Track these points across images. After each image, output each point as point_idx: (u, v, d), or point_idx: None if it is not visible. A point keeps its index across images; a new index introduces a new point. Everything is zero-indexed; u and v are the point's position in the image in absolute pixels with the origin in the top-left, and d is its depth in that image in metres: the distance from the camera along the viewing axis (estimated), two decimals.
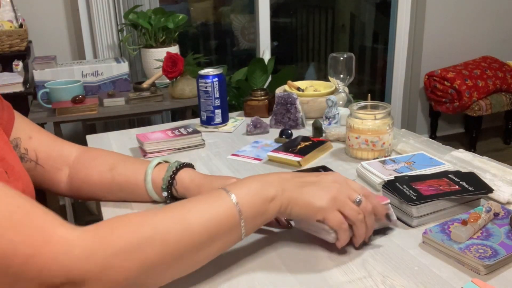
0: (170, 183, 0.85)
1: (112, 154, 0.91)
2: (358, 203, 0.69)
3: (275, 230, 0.80)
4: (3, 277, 0.50)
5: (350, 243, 0.74)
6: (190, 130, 1.23)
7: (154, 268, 0.58)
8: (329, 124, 1.24)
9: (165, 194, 0.86)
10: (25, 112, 2.09)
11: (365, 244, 0.74)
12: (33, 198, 0.72)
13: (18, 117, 0.84)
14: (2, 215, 0.50)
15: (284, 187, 0.68)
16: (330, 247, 0.73)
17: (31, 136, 0.84)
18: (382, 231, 0.77)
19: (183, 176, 0.85)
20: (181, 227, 0.60)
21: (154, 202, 0.89)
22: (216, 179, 0.85)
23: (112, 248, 0.55)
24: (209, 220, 0.62)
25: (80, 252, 0.53)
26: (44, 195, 2.23)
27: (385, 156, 1.05)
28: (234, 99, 2.54)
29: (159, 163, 0.87)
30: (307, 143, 1.14)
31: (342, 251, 0.73)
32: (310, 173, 0.74)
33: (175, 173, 0.85)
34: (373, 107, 1.09)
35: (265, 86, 2.58)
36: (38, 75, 2.18)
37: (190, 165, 0.88)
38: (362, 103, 1.10)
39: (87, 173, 0.87)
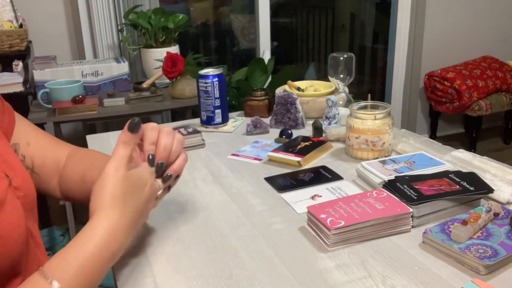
0: None
1: (92, 156, 0.87)
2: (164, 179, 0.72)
3: (274, 229, 0.80)
4: None
5: (348, 243, 0.74)
6: (190, 130, 1.23)
7: None
8: (329, 124, 1.24)
9: None
10: (25, 112, 2.09)
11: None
12: (34, 200, 0.72)
13: (18, 120, 0.82)
14: None
15: (122, 242, 0.63)
16: (330, 247, 0.74)
17: (29, 143, 0.82)
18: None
19: None
20: None
21: None
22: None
23: None
24: None
25: None
26: (44, 195, 2.23)
27: (385, 156, 1.06)
28: (234, 99, 2.54)
29: None
30: (307, 143, 1.14)
31: (341, 252, 0.73)
32: (137, 192, 0.67)
33: None
34: (373, 107, 1.09)
35: (265, 86, 2.58)
36: (38, 75, 2.18)
37: None
38: (362, 103, 1.10)
39: (70, 179, 0.84)
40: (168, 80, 2.29)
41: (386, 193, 0.82)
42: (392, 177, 0.88)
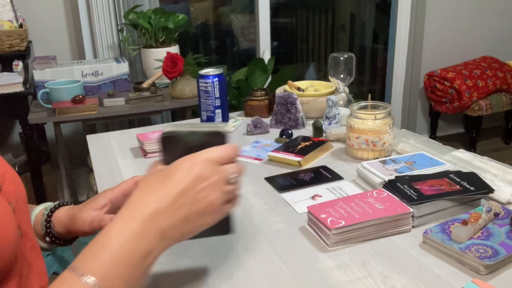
0: (48, 227, 0.78)
1: None
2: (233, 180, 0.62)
3: (274, 229, 0.80)
4: None
5: (349, 243, 0.74)
6: None
7: None
8: (330, 124, 1.24)
9: (48, 239, 0.78)
10: (25, 112, 2.09)
11: None
12: (25, 201, 0.72)
13: None
14: None
15: (163, 236, 0.54)
16: (330, 247, 0.74)
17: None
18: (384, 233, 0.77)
19: (58, 215, 0.79)
20: None
21: None
22: (84, 205, 0.76)
23: None
24: None
25: None
26: (45, 195, 2.23)
27: (386, 156, 1.06)
28: (234, 99, 2.54)
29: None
30: (307, 143, 1.14)
31: (342, 252, 0.73)
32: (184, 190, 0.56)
33: (50, 215, 0.79)
34: (374, 107, 1.09)
35: (265, 86, 2.58)
36: (38, 75, 2.18)
37: (67, 204, 0.82)
38: (363, 103, 1.10)
39: None
40: (168, 80, 2.29)
41: (386, 193, 0.82)
42: (393, 177, 0.88)
